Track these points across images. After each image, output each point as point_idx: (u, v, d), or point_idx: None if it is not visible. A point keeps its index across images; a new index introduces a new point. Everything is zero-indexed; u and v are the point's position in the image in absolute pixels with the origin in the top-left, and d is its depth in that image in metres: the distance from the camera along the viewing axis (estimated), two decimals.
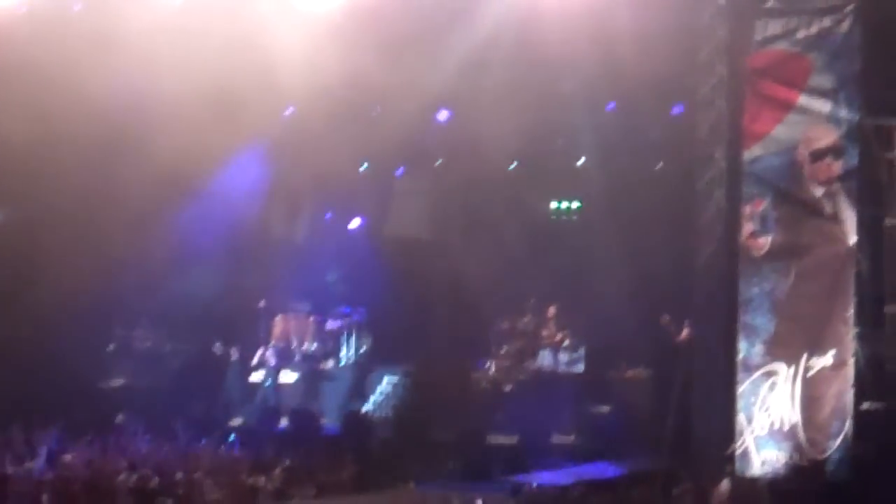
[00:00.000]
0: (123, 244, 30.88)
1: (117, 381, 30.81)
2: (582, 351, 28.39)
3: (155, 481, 21.85)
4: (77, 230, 28.93)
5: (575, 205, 30.15)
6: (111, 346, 31.38)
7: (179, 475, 22.25)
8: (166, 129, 28.12)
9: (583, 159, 29.30)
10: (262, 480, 22.61)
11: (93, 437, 25.28)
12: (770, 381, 22.46)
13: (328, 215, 32.81)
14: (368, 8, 25.09)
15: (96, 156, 28.13)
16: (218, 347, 30.41)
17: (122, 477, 21.96)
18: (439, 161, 30.50)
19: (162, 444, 25.45)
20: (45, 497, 21.05)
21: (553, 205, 30.50)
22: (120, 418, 28.28)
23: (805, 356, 22.23)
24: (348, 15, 25.19)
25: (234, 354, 30.29)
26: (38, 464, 23.23)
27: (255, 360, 30.11)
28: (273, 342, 30.27)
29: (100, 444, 24.86)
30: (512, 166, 30.48)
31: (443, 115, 28.81)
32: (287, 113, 28.44)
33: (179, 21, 25.81)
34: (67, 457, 23.75)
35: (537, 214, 30.01)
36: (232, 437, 26.44)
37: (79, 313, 30.00)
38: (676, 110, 25.71)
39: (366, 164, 30.42)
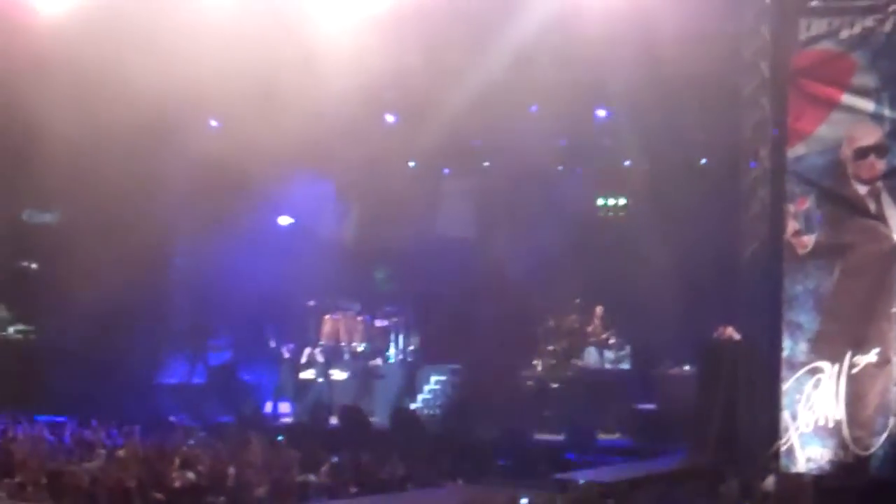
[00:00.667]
0: (175, 246, 31.12)
1: (171, 380, 30.95)
2: (628, 349, 28.41)
3: (206, 477, 22.00)
4: (128, 231, 29.04)
5: (621, 201, 30.08)
6: (165, 345, 31.52)
7: (231, 471, 22.34)
8: (216, 131, 28.29)
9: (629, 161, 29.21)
10: (311, 477, 22.69)
11: (147, 434, 25.50)
12: (815, 378, 22.35)
13: (378, 216, 32.77)
14: (414, 9, 25.08)
15: (147, 157, 28.22)
16: (272, 345, 30.50)
17: (175, 473, 22.10)
18: (486, 162, 30.40)
19: (214, 440, 25.65)
20: (99, 493, 21.20)
21: (600, 201, 30.43)
22: (173, 416, 28.46)
23: (849, 354, 22.11)
24: (395, 15, 25.18)
25: (286, 353, 30.40)
26: (94, 460, 23.44)
27: (304, 359, 30.14)
28: (322, 341, 30.30)
29: (154, 440, 25.05)
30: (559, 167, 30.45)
31: (489, 116, 28.78)
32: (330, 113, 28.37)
33: (226, 21, 25.72)
34: (121, 453, 23.93)
35: (584, 212, 29.93)
36: (280, 437, 26.41)
37: (134, 312, 30.23)
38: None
39: (413, 163, 30.38)
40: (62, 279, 30.33)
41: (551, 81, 25.47)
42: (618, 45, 24.23)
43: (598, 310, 28.65)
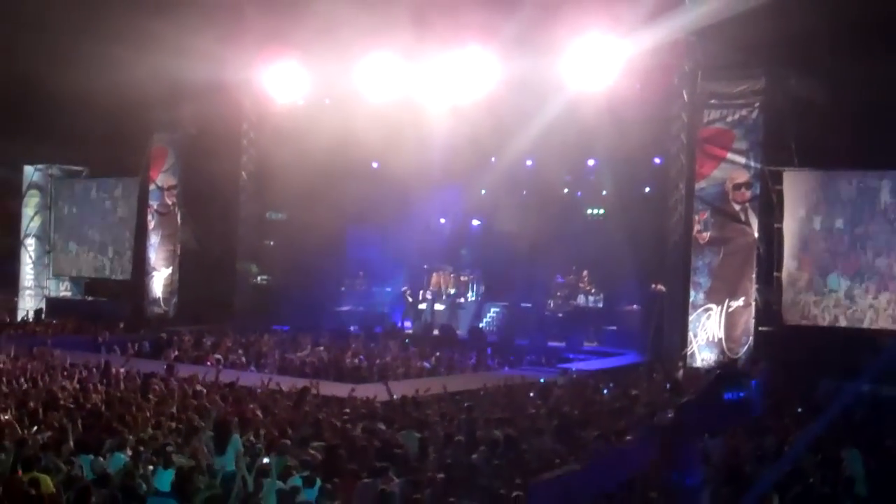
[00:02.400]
0: (350, 234, 31.41)
1: (346, 307, 31.25)
2: (601, 296, 28.33)
3: (365, 363, 22.30)
4: (327, 226, 29.41)
5: (601, 211, 29.89)
6: (343, 287, 31.83)
7: (378, 361, 22.62)
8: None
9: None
10: (425, 364, 22.94)
11: (333, 339, 25.83)
12: (707, 314, 22.46)
13: (464, 218, 32.77)
14: (487, 102, 25.08)
15: (338, 185, 28.44)
16: (407, 291, 30.60)
17: (348, 360, 22.43)
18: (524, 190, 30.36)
19: (369, 341, 25.95)
20: (306, 369, 21.58)
21: (588, 211, 30.22)
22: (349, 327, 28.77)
23: (727, 300, 22.27)
24: (475, 106, 25.18)
25: (410, 295, 30.50)
26: (303, 352, 23.83)
27: (420, 297, 30.30)
28: (431, 287, 30.43)
29: (337, 342, 25.37)
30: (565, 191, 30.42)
31: (528, 162, 28.77)
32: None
33: (382, 110, 25.90)
34: (320, 348, 24.29)
35: (578, 217, 29.81)
36: (407, 340, 26.61)
37: (326, 268, 30.57)
38: (658, 161, 25.43)
39: (483, 190, 30.37)
40: (286, 251, 30.90)
41: (560, 141, 25.32)
42: (600, 123, 24.06)
43: (585, 273, 28.59)
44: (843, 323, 21.37)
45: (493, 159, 28.38)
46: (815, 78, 21.35)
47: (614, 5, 22.00)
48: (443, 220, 32.22)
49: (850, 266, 21.43)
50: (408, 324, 29.92)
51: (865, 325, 21.14)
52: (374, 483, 10.68)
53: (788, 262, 22.00)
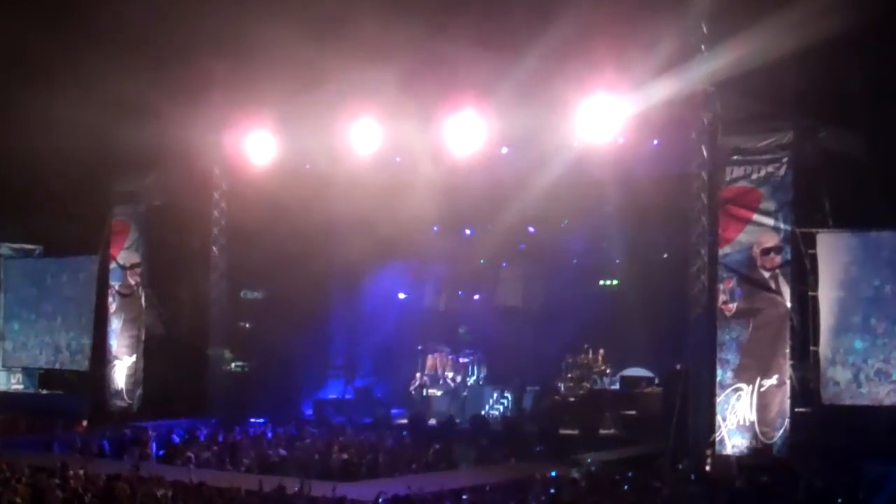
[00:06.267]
0: (330, 312, 31.35)
1: (332, 395, 31.11)
2: (617, 377, 28.26)
3: (354, 457, 22.16)
4: (301, 303, 29.41)
5: (615, 282, 29.94)
6: (328, 374, 31.71)
7: (369, 456, 22.50)
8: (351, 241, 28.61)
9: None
10: (422, 458, 22.80)
11: (318, 431, 25.67)
12: (737, 394, 22.29)
13: (461, 292, 32.93)
14: (480, 160, 25.28)
15: (312, 258, 28.54)
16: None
17: (334, 455, 22.31)
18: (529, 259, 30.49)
19: (360, 434, 25.77)
20: (288, 466, 21.43)
21: (601, 282, 30.28)
22: (334, 418, 28.61)
23: (759, 378, 22.09)
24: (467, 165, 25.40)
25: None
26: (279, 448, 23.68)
27: (416, 383, 30.19)
28: (427, 371, 30.33)
29: (323, 434, 25.20)
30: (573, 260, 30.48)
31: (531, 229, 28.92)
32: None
33: (361, 172, 26.15)
34: (305, 441, 24.15)
35: (590, 288, 29.82)
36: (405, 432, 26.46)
37: (308, 353, 30.51)
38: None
39: (482, 261, 30.48)
40: (263, 333, 30.84)
41: (566, 205, 25.42)
42: (610, 183, 24.16)
43: (601, 351, 28.52)
44: (888, 401, 21.26)
45: (489, 227, 28.52)
46: (848, 129, 21.48)
47: (623, 54, 22.22)
48: (438, 296, 32.27)
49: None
50: (401, 413, 29.76)
51: None
52: None
53: (825, 335, 21.92)
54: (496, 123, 24.48)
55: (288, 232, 26.83)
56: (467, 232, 30.26)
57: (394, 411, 29.73)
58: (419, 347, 30.68)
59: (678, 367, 24.83)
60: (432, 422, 28.16)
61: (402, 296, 32.73)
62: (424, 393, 29.77)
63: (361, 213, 26.32)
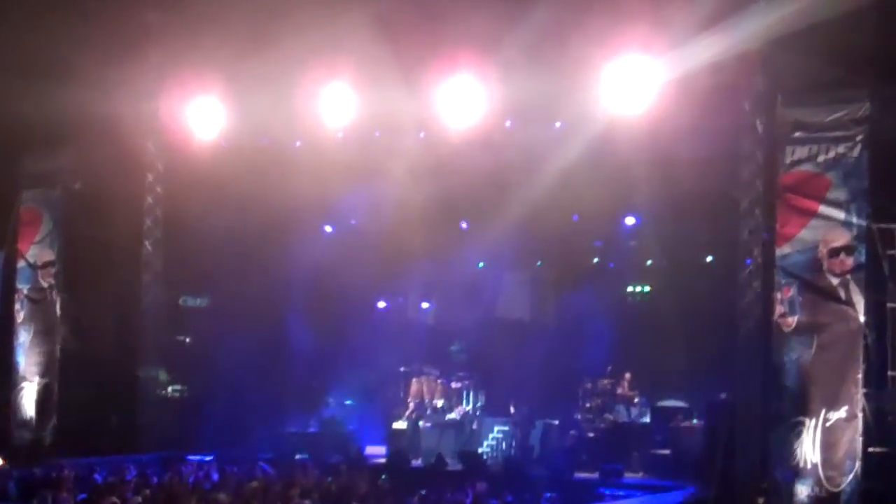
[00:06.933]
0: (290, 324, 31.24)
1: (292, 428, 30.95)
2: (648, 407, 28.15)
3: None
4: (255, 312, 29.29)
5: (645, 289, 29.97)
6: (285, 399, 31.59)
7: None
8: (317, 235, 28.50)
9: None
10: None
11: (276, 470, 25.48)
12: (796, 430, 22.21)
13: (453, 301, 32.83)
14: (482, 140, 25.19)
15: (270, 259, 28.44)
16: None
17: (294, 502, 22.04)
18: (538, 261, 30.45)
19: (326, 476, 25.59)
20: None
21: (629, 289, 30.31)
22: (295, 455, 28.46)
23: (824, 410, 21.96)
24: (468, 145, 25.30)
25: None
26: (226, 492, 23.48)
27: (406, 412, 29.99)
28: (410, 399, 30.18)
29: (282, 474, 25.01)
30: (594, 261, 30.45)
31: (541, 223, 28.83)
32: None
33: (331, 149, 25.96)
34: (254, 484, 23.93)
35: (614, 297, 29.82)
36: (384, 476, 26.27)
37: (264, 376, 30.41)
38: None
39: (482, 264, 30.45)
40: (208, 350, 30.65)
41: (586, 193, 25.41)
42: (642, 166, 24.16)
43: (627, 375, 28.44)
44: None
45: (489, 219, 28.52)
46: None
47: (659, 4, 22.08)
48: (425, 305, 32.21)
49: None
50: (379, 450, 29.57)
51: None
52: None
53: None
54: (499, 90, 24.39)
55: (238, 224, 26.63)
56: (463, 226, 30.14)
57: (369, 448, 29.58)
58: (402, 369, 30.59)
59: (723, 395, 24.92)
60: (417, 462, 27.99)
61: (381, 304, 32.59)
62: (421, 425, 29.55)
63: (330, 201, 26.10)
